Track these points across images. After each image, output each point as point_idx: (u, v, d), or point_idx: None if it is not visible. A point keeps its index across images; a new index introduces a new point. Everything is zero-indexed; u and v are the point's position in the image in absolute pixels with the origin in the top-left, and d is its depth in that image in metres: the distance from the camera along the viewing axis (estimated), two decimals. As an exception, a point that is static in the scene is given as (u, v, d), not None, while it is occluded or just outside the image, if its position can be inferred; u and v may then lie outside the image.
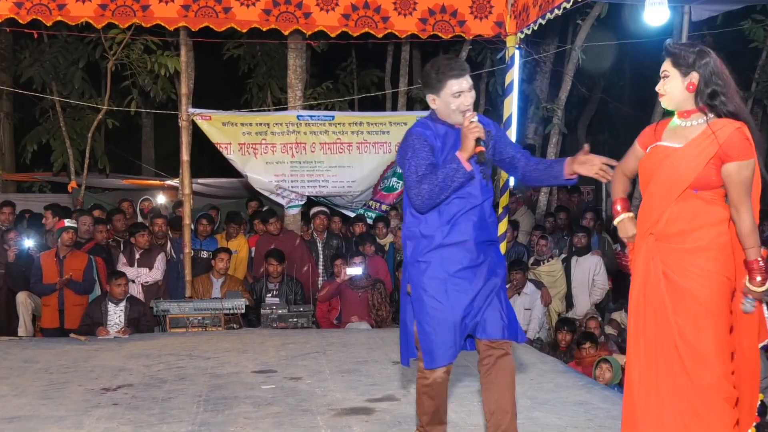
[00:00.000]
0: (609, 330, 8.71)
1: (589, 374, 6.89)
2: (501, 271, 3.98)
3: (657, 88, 3.65)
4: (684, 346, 3.49)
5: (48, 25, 7.62)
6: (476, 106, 14.46)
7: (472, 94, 3.91)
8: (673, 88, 3.58)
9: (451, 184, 3.74)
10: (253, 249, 9.73)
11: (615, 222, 3.88)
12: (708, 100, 3.50)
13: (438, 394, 3.97)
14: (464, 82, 3.84)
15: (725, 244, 3.53)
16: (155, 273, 8.83)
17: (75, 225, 8.52)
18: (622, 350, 7.97)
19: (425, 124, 3.94)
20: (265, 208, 10.47)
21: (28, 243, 9.08)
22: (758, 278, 3.49)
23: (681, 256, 3.52)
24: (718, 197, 3.53)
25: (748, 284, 3.52)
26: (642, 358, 3.61)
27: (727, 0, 8.51)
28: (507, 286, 8.61)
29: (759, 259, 3.48)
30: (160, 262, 8.90)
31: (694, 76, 3.50)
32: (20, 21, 7.40)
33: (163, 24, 7.69)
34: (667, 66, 3.59)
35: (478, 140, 3.71)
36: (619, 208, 3.85)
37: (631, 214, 3.83)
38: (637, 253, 3.68)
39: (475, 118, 3.78)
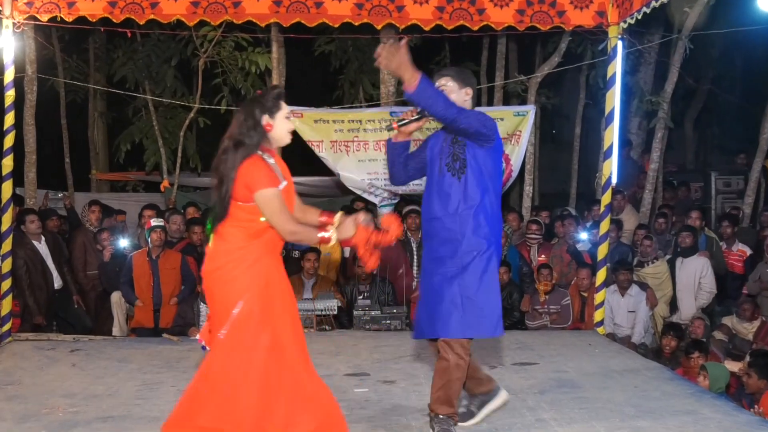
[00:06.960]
0: (719, 336, 8.35)
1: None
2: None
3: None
4: None
5: (141, 23, 7.66)
6: (576, 100, 13.76)
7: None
8: None
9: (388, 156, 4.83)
10: (347, 249, 9.57)
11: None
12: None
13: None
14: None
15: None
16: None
17: (162, 224, 8.52)
18: (733, 357, 7.71)
19: None
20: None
21: (123, 243, 9.19)
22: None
23: None
24: None
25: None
26: None
27: None
28: (611, 286, 8.41)
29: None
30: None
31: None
32: (114, 20, 7.49)
33: (254, 20, 7.66)
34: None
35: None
36: None
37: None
38: None
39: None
